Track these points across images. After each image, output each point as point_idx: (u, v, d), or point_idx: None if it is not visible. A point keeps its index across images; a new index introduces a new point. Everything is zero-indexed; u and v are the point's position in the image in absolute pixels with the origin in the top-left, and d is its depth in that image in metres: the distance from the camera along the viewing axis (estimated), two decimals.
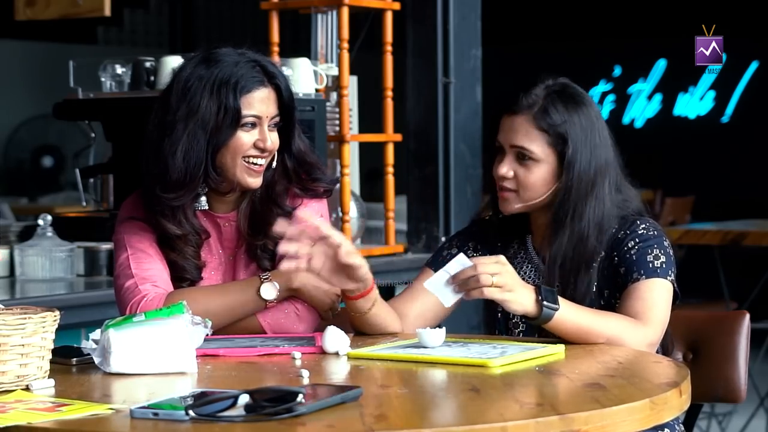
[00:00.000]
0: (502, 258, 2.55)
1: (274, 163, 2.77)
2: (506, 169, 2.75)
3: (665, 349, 2.81)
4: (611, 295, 2.73)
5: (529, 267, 2.83)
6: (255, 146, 2.70)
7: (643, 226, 2.74)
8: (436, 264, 2.81)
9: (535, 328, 2.69)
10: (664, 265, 2.69)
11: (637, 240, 2.72)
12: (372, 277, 2.64)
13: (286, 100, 2.74)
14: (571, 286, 2.72)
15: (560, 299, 2.58)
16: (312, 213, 2.78)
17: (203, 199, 2.76)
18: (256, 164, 2.71)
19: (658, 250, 2.70)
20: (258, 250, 2.78)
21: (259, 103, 2.69)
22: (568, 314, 2.57)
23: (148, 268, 2.71)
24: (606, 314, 2.65)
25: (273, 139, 2.72)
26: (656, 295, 2.67)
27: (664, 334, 2.79)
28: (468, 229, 2.95)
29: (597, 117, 2.78)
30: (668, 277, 2.69)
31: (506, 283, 2.52)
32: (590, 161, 2.73)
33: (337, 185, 4.22)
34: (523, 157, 2.74)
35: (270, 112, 2.71)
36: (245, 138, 2.69)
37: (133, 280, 2.69)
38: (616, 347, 2.58)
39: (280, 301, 2.70)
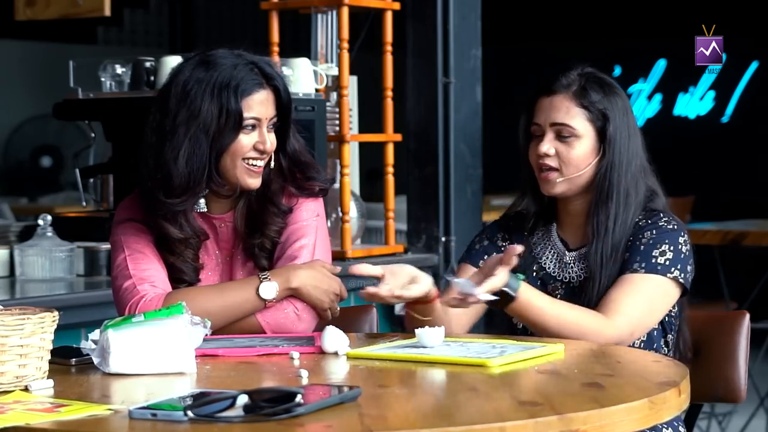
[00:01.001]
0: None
1: (272, 163, 2.77)
2: (548, 146, 2.81)
3: (680, 353, 2.83)
4: None
5: (551, 252, 2.88)
6: (255, 148, 2.71)
7: (665, 219, 2.81)
8: (471, 258, 2.92)
9: None
10: (668, 262, 2.72)
11: (654, 232, 2.77)
12: (435, 290, 2.75)
13: (284, 101, 2.75)
14: (611, 262, 2.77)
15: (525, 287, 2.66)
16: (309, 213, 2.79)
17: (202, 201, 2.77)
18: (255, 165, 2.72)
19: (667, 246, 2.74)
20: (255, 249, 2.78)
21: (259, 105, 2.70)
22: (529, 300, 2.66)
23: (146, 269, 2.71)
24: (567, 305, 2.71)
25: (272, 140, 2.73)
26: (641, 293, 2.71)
27: (678, 335, 2.82)
28: (497, 221, 3.01)
29: (629, 101, 2.87)
30: (669, 275, 2.72)
31: None
32: (629, 141, 2.82)
33: (336, 185, 4.23)
34: (563, 135, 2.79)
35: (269, 113, 2.72)
36: (245, 140, 2.70)
37: (131, 280, 2.70)
38: (616, 347, 2.58)
39: (279, 301, 2.70)
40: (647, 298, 2.71)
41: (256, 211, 2.79)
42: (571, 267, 2.84)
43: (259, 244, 2.78)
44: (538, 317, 2.67)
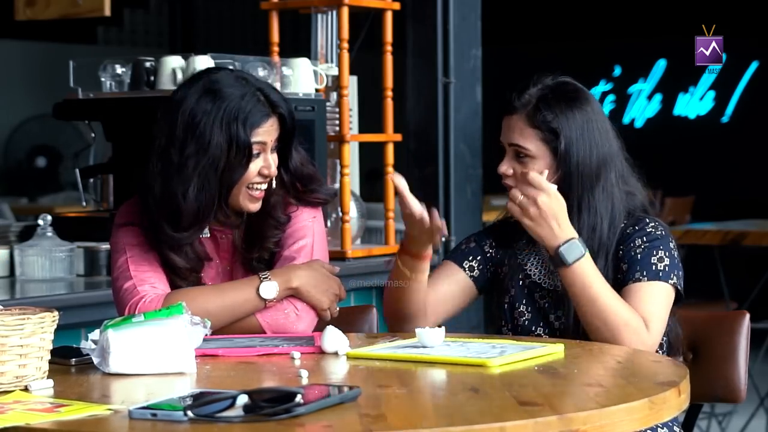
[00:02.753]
0: (551, 190, 2.68)
1: (273, 184, 2.77)
2: (505, 167, 2.81)
3: (672, 349, 2.82)
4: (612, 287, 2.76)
5: (537, 260, 2.87)
6: (259, 173, 2.71)
7: (652, 224, 2.78)
8: (455, 257, 2.93)
9: (541, 316, 2.79)
10: (667, 268, 2.72)
11: (644, 239, 2.75)
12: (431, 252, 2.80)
13: (288, 126, 2.74)
14: None
15: (587, 261, 2.67)
16: (306, 214, 2.79)
17: (207, 228, 2.77)
18: (258, 190, 2.72)
19: (663, 252, 2.74)
20: (254, 262, 2.79)
21: (265, 134, 2.70)
22: (583, 273, 2.67)
23: (146, 270, 2.71)
24: (622, 301, 2.68)
25: (274, 160, 2.73)
26: (657, 300, 2.70)
27: (675, 336, 2.82)
28: (490, 227, 3.01)
29: (595, 111, 2.81)
30: (670, 281, 2.72)
31: (532, 212, 2.68)
32: (590, 155, 2.77)
33: (336, 185, 4.23)
34: (519, 155, 2.79)
35: (273, 139, 2.72)
36: (252, 167, 2.69)
37: (131, 281, 2.70)
38: (615, 346, 2.58)
39: (279, 301, 2.70)
40: (661, 302, 2.72)
41: (255, 227, 2.78)
42: (557, 275, 2.82)
43: (258, 257, 2.79)
44: (588, 290, 2.66)
